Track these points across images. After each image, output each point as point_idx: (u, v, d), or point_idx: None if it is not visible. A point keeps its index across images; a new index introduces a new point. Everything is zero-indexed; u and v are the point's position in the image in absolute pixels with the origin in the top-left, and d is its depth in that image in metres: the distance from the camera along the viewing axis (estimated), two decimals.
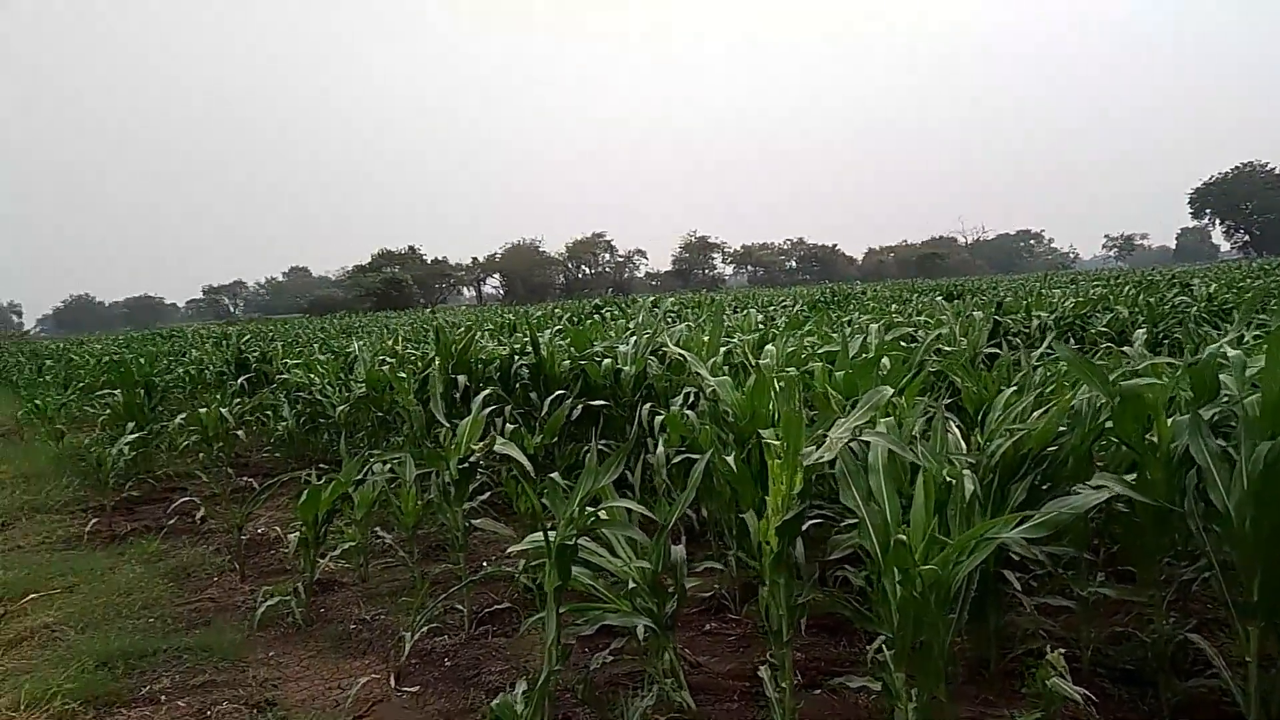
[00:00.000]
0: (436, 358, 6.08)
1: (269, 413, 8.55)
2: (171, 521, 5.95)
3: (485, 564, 4.57)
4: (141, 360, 10.60)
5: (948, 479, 2.43)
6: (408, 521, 4.15)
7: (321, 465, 6.54)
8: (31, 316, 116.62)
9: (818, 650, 3.31)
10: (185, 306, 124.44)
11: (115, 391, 9.30)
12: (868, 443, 2.50)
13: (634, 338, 5.79)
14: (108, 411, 9.47)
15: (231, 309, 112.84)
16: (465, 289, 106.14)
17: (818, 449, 2.38)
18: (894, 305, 12.50)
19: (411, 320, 25.26)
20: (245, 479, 7.03)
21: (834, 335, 5.82)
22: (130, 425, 7.68)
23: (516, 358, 6.12)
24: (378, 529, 4.62)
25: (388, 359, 7.49)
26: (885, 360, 4.07)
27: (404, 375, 6.26)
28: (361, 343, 8.79)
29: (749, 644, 3.44)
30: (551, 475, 2.95)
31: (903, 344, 5.36)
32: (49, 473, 8.71)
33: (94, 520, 6.28)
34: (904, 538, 2.11)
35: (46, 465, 9.13)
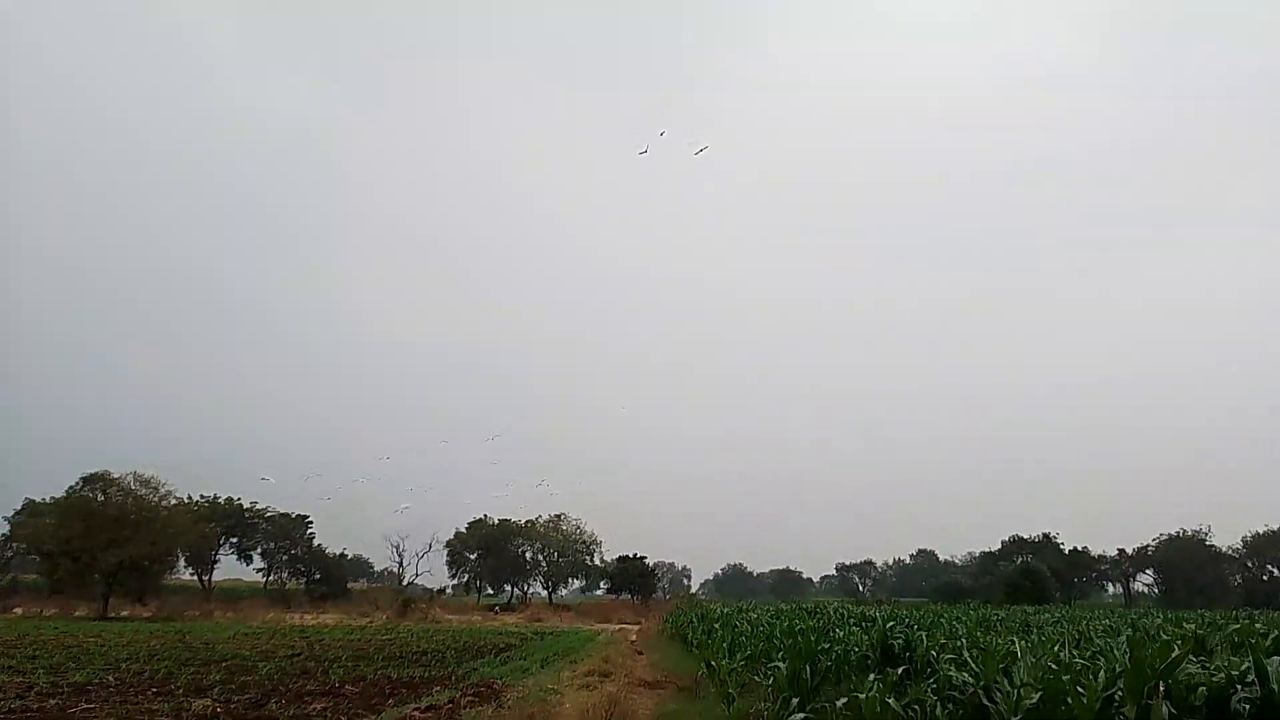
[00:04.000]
0: (1125, 674, 5.26)
1: (916, 706, 8.31)
2: None
3: None
4: (810, 637, 11.40)
5: None
6: None
7: None
8: (697, 579, 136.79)
9: None
10: (819, 581, 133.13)
11: (780, 665, 10.12)
12: None
13: None
14: (771, 681, 10.33)
15: (860, 588, 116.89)
16: (1110, 584, 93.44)
17: None
18: None
19: (1056, 618, 22.94)
20: None
21: None
22: (795, 701, 8.21)
23: (1237, 687, 4.94)
24: None
25: (1053, 665, 6.75)
26: None
27: (1082, 690, 5.53)
28: (1022, 642, 8.14)
29: None
30: None
31: None
32: None
33: None
34: None
35: None
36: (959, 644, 10.53)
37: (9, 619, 42.55)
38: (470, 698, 13.12)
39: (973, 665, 7.82)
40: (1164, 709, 4.73)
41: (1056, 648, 7.94)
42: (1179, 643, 7.57)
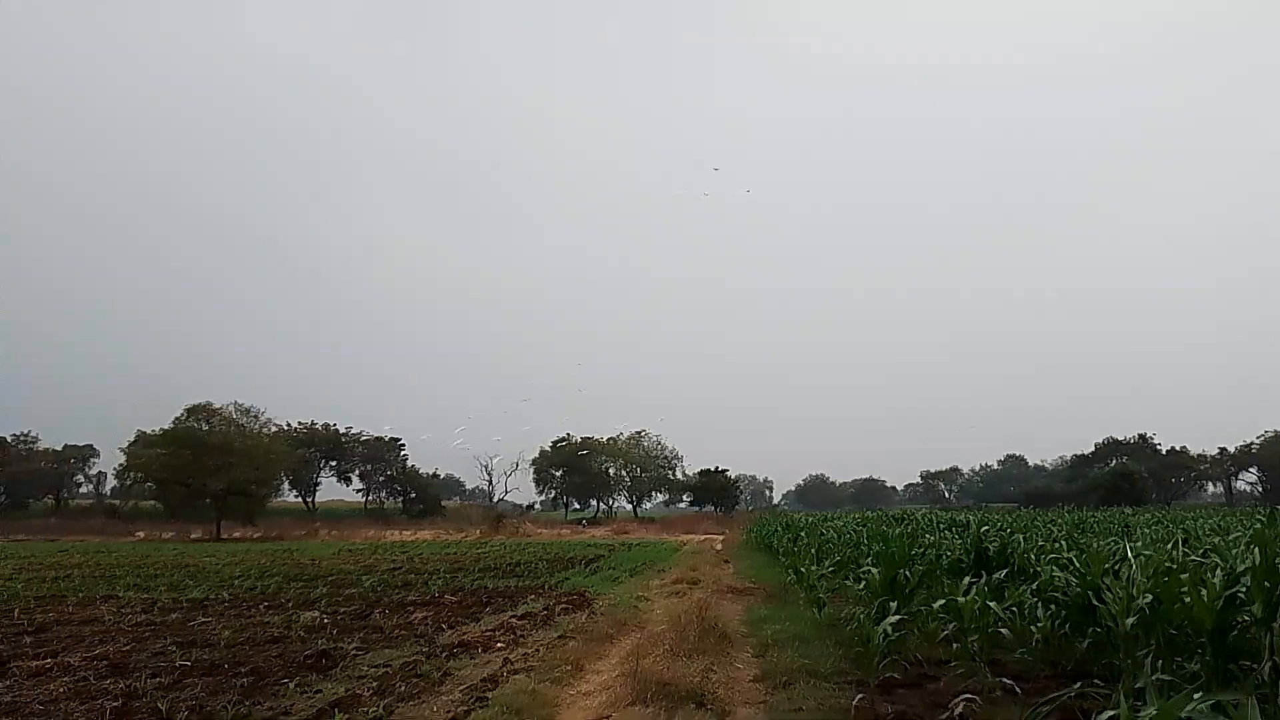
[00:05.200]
0: (1252, 571, 4.93)
1: (1015, 609, 8.09)
2: (944, 716, 5.83)
3: None
4: (904, 542, 11.22)
5: None
6: None
7: (1095, 681, 5.79)
8: (779, 491, 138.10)
9: None
10: (903, 490, 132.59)
11: (873, 569, 9.99)
12: None
13: None
14: (862, 586, 10.22)
15: (946, 494, 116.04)
16: (1210, 484, 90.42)
17: None
18: None
19: (1155, 519, 22.18)
20: (999, 678, 6.64)
21: None
22: (892, 605, 8.08)
23: None
24: None
25: (1169, 564, 6.41)
26: None
27: (1204, 591, 5.21)
28: (1136, 543, 7.80)
29: None
30: None
31: None
32: (814, 638, 9.69)
33: (858, 695, 6.59)
34: None
35: (811, 630, 10.20)
36: (1058, 546, 10.21)
37: (132, 542, 45.94)
38: (564, 605, 13.50)
39: (1076, 566, 7.53)
40: None
41: (1170, 546, 7.56)
42: None
